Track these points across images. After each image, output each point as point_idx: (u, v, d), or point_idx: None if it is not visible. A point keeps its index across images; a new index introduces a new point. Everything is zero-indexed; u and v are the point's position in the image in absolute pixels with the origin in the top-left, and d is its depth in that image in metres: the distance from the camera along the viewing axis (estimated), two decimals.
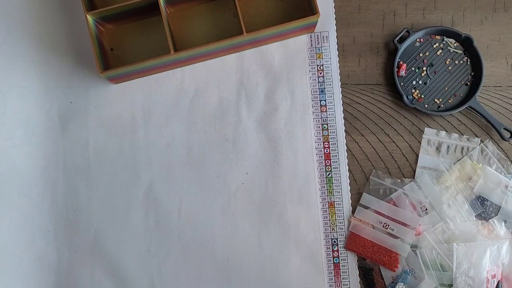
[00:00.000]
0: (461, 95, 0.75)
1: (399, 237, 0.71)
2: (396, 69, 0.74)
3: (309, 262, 0.73)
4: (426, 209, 0.72)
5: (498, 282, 0.69)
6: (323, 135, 0.75)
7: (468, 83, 0.75)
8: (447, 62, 0.75)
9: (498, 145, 0.74)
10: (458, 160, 0.74)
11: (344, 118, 0.75)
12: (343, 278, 0.72)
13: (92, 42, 0.70)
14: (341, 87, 0.75)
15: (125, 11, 0.71)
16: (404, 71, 0.75)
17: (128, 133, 0.75)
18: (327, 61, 0.76)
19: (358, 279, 0.72)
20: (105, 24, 0.74)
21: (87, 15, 0.69)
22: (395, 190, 0.73)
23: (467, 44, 0.75)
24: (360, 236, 0.72)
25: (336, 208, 0.74)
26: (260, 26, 0.73)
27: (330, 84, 0.75)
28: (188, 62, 0.75)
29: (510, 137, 0.73)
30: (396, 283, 0.70)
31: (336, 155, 0.74)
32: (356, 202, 0.74)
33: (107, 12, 0.70)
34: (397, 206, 0.72)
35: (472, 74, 0.75)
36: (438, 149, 0.74)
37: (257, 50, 0.76)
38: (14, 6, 0.76)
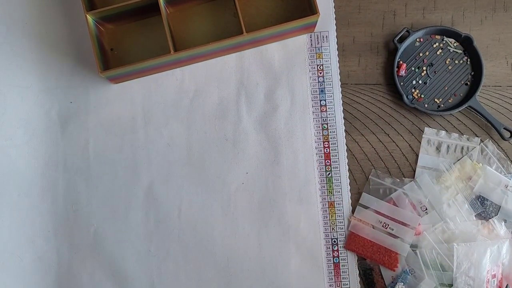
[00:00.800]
0: (461, 94, 0.75)
1: (398, 237, 0.71)
2: (396, 69, 0.74)
3: (309, 262, 0.73)
4: (426, 209, 0.72)
5: (507, 285, 0.69)
6: (323, 135, 0.75)
7: (468, 83, 0.75)
8: (447, 62, 0.75)
9: (498, 145, 0.74)
10: (458, 160, 0.74)
11: (344, 118, 0.75)
12: (343, 278, 0.72)
13: (92, 42, 0.70)
14: (341, 87, 0.75)
15: (125, 11, 0.71)
16: (404, 71, 0.75)
17: (128, 133, 0.75)
18: (327, 61, 0.76)
19: (358, 279, 0.72)
20: (105, 24, 0.74)
21: (87, 15, 0.69)
22: (395, 190, 0.73)
23: (467, 44, 0.75)
24: (360, 236, 0.72)
25: (336, 208, 0.74)
26: (260, 26, 0.73)
27: (330, 84, 0.75)
28: (188, 62, 0.75)
29: (510, 137, 0.73)
30: (396, 283, 0.70)
31: (336, 155, 0.74)
32: (356, 202, 0.74)
33: (107, 12, 0.70)
34: (397, 206, 0.72)
35: (472, 73, 0.75)
36: (438, 148, 0.74)
37: (257, 50, 0.76)
38: (14, 6, 0.76)
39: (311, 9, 0.72)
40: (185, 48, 0.71)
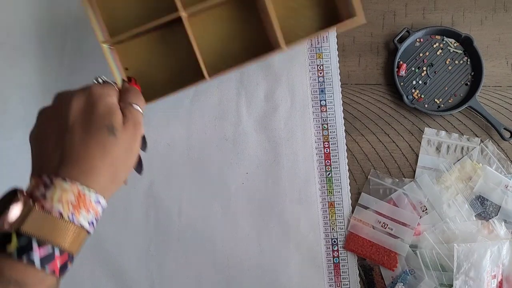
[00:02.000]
0: (461, 95, 0.75)
1: (398, 237, 0.71)
2: (396, 69, 0.74)
3: (309, 262, 0.73)
4: (426, 209, 0.72)
5: None
6: (323, 135, 0.75)
7: (468, 83, 0.75)
8: (447, 62, 0.75)
9: (498, 145, 0.74)
10: (458, 160, 0.74)
11: (344, 118, 0.75)
12: (343, 278, 0.72)
13: (110, 66, 0.65)
14: (341, 87, 0.75)
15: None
16: (404, 71, 0.75)
17: None
18: (327, 61, 0.75)
19: (358, 279, 0.72)
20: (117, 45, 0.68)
21: (103, 44, 0.65)
22: (395, 190, 0.73)
23: (467, 44, 0.75)
24: (359, 236, 0.72)
25: (336, 208, 0.74)
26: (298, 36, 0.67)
27: (330, 84, 0.75)
28: None
29: (510, 137, 0.73)
30: (396, 283, 0.70)
31: (336, 155, 0.74)
32: (356, 202, 0.74)
33: (121, 37, 0.65)
34: (397, 206, 0.72)
35: (472, 74, 0.75)
36: (438, 149, 0.74)
37: None
38: (15, 6, 0.76)
39: (348, 13, 0.67)
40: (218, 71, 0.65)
